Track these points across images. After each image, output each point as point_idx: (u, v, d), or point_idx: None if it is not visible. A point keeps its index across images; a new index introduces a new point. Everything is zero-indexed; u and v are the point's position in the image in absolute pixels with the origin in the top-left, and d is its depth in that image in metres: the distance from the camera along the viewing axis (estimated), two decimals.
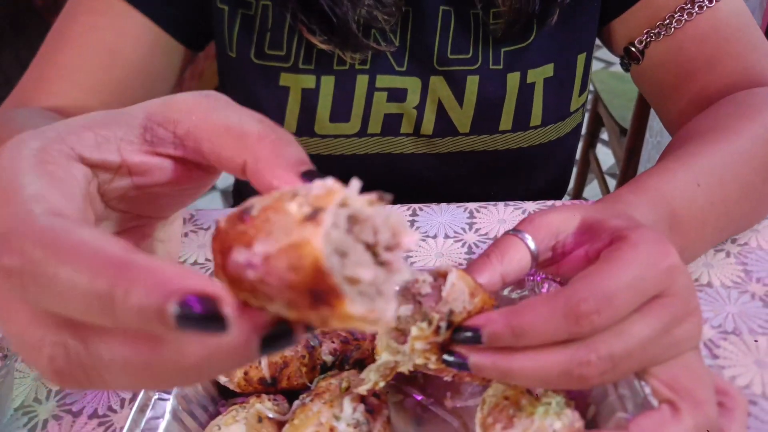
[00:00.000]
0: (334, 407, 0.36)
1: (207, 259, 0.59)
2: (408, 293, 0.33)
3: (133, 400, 0.45)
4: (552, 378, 0.30)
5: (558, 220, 0.36)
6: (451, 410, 0.41)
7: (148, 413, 0.36)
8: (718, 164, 0.47)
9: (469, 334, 0.30)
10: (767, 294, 0.48)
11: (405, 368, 0.34)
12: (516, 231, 0.37)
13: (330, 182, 0.21)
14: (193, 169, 0.29)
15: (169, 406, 0.37)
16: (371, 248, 0.22)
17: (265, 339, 0.19)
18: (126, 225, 0.30)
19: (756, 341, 0.44)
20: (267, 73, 0.63)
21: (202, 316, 0.17)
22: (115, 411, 0.44)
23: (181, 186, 0.30)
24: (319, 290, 0.19)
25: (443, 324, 0.31)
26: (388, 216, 0.22)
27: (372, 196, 0.22)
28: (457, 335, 0.31)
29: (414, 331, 0.31)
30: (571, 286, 0.30)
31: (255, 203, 0.21)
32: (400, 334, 0.34)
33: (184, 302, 0.17)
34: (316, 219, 0.19)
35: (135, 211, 0.30)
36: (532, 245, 0.36)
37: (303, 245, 0.19)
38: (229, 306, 0.18)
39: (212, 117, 0.27)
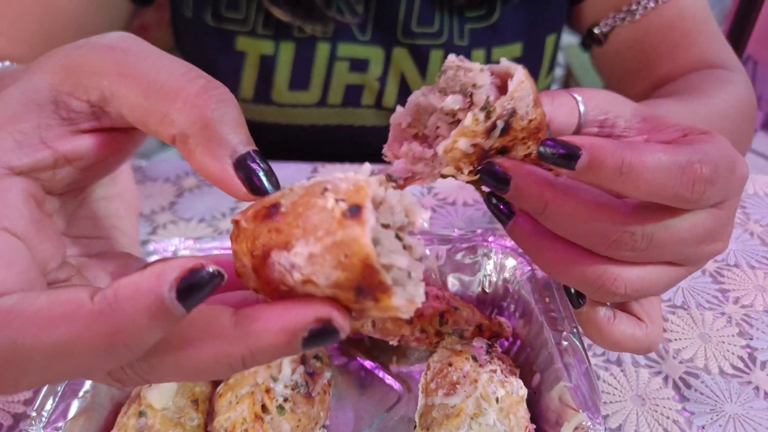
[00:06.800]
0: (271, 368, 0.35)
1: (153, 211, 0.56)
2: (456, 81, 0.28)
3: None
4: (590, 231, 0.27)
5: (611, 98, 0.34)
6: (396, 375, 0.40)
7: None
8: (701, 112, 0.47)
9: (561, 150, 0.26)
10: (717, 270, 0.48)
11: (428, 179, 0.30)
12: (568, 90, 0.34)
13: (353, 176, 0.21)
14: (127, 132, 0.25)
15: None
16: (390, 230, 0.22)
17: (308, 338, 0.20)
18: (65, 199, 0.27)
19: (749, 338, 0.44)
20: (223, 36, 0.60)
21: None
22: None
23: (121, 154, 0.26)
24: (365, 286, 0.20)
25: (500, 123, 0.27)
26: (402, 197, 0.22)
27: (381, 177, 0.22)
28: (544, 148, 0.26)
29: (468, 119, 0.26)
30: (687, 147, 0.26)
31: (280, 199, 0.21)
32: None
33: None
34: (359, 218, 0.19)
35: (72, 186, 0.27)
36: (582, 107, 0.33)
37: (350, 243, 0.19)
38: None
39: (128, 77, 0.22)
